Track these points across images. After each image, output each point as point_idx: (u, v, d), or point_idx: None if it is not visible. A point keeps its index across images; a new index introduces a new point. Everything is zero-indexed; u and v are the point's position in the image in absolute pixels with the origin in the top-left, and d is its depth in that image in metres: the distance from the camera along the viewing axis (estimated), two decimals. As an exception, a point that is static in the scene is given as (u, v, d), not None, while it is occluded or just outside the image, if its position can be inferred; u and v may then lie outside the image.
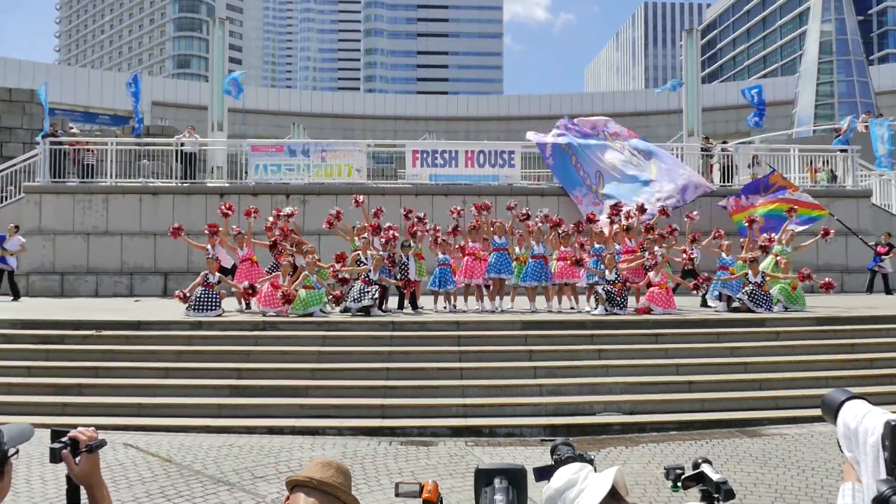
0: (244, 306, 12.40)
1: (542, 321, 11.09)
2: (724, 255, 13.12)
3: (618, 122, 19.77)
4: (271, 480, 6.32)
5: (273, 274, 11.97)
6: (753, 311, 11.81)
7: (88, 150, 18.31)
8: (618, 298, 11.63)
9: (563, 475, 1.62)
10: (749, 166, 19.45)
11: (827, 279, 13.00)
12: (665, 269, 12.17)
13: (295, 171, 17.78)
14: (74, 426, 1.89)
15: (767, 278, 12.31)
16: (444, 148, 18.59)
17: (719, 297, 12.84)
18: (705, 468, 1.96)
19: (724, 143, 21.52)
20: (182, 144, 18.72)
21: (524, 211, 13.19)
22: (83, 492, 1.85)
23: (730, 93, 49.90)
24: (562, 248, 12.67)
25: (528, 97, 56.44)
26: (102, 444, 1.86)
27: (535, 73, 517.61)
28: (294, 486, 1.79)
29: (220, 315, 11.29)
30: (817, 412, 1.91)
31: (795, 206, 15.07)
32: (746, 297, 12.01)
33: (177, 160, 18.59)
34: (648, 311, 11.56)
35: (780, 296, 12.46)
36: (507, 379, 9.33)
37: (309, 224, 16.85)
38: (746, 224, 14.00)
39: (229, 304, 12.68)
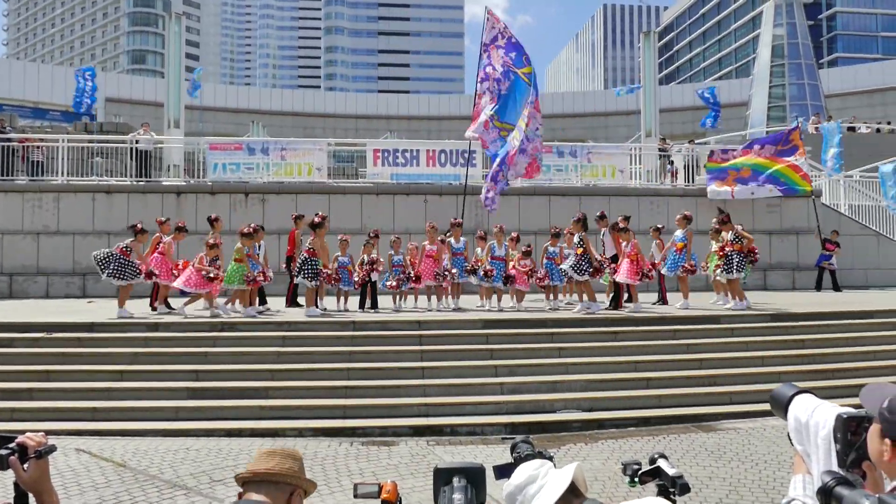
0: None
1: (503, 320, 11.16)
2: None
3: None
4: (230, 484, 6.23)
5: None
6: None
7: (38, 147, 17.81)
8: (581, 264, 11.94)
9: (523, 471, 1.64)
10: (704, 166, 19.87)
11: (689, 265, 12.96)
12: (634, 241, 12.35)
13: (254, 169, 17.56)
14: (23, 432, 1.84)
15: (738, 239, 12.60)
16: (406, 147, 18.55)
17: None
18: (661, 463, 2.00)
19: (691, 141, 21.90)
20: (137, 142, 18.34)
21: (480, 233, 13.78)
22: (32, 499, 1.80)
23: (686, 94, 50.82)
24: (521, 261, 12.88)
25: (489, 97, 56.62)
26: (52, 449, 1.81)
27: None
28: (243, 482, 1.77)
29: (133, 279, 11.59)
30: (770, 407, 1.96)
31: (789, 168, 15.31)
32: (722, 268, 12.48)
33: (131, 158, 18.20)
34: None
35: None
36: (468, 378, 9.36)
37: (269, 224, 16.64)
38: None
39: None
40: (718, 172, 17.78)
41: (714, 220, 13.11)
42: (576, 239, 12.20)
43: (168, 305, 12.28)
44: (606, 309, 12.27)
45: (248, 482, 1.75)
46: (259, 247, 12.36)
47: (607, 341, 10.45)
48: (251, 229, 11.99)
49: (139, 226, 12.00)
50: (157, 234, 12.44)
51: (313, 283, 11.51)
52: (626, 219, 12.76)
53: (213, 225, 12.51)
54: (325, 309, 11.94)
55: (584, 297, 12.02)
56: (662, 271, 13.19)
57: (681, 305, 12.62)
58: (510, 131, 13.98)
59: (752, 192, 17.59)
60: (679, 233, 13.06)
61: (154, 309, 12.25)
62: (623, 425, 8.42)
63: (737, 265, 12.28)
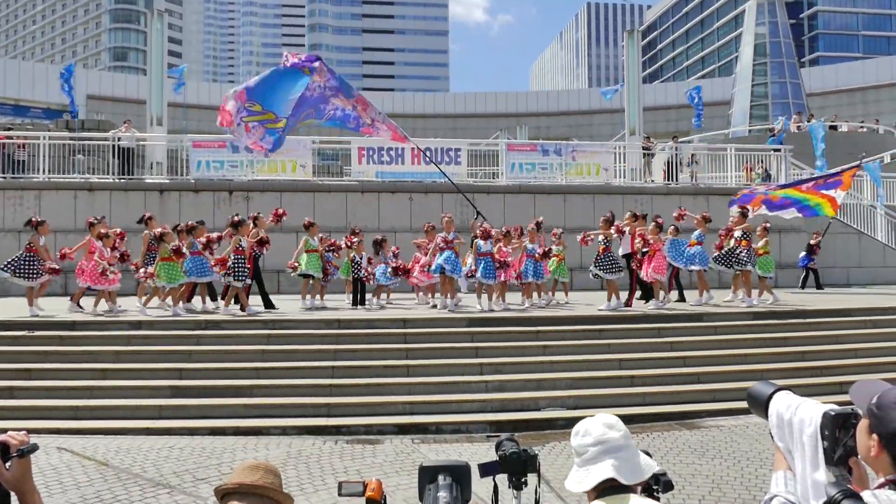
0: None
1: (488, 318, 11.17)
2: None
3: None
4: (213, 482, 6.19)
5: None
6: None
7: (21, 145, 17.61)
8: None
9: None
10: (688, 164, 20.02)
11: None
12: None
13: (238, 167, 17.46)
14: (4, 430, 1.82)
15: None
16: (390, 145, 18.51)
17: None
18: (645, 460, 2.01)
19: (675, 139, 22.01)
20: (119, 139, 18.17)
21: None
22: (14, 498, 1.79)
23: (670, 93, 51.17)
24: (503, 247, 12.71)
25: (475, 95, 56.76)
26: (34, 448, 1.80)
27: (475, 73, 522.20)
28: (224, 494, 1.77)
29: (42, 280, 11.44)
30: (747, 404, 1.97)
31: (821, 200, 15.06)
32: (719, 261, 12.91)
33: (114, 155, 18.03)
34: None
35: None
36: (453, 376, 9.36)
37: (253, 221, 16.52)
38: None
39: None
40: (746, 197, 16.29)
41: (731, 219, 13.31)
42: (601, 237, 12.46)
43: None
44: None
45: (232, 493, 1.76)
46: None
47: (592, 339, 10.49)
48: (187, 226, 11.85)
49: (34, 220, 11.81)
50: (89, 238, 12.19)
51: (241, 283, 11.45)
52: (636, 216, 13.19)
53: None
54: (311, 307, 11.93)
55: (613, 297, 12.13)
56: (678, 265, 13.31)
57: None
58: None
59: (773, 213, 16.35)
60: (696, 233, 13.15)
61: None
62: (607, 422, 8.45)
63: (739, 259, 12.62)
